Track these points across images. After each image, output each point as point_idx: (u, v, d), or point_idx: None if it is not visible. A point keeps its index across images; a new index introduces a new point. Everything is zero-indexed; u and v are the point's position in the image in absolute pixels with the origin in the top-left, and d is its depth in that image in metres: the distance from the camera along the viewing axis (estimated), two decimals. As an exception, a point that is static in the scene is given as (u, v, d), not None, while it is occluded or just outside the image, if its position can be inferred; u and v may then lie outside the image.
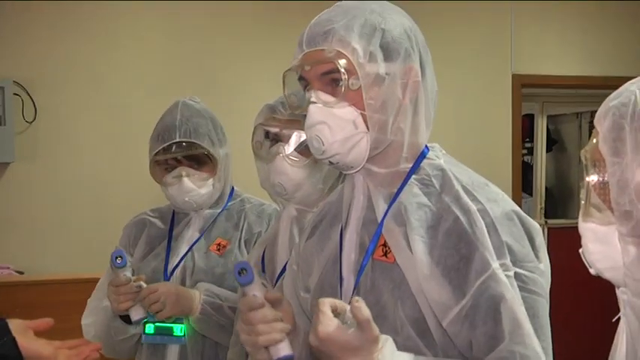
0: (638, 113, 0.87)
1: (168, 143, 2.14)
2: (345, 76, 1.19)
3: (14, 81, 3.93)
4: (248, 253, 2.18)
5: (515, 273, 1.16)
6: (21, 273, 3.72)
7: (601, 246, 0.92)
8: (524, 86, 5.15)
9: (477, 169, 1.30)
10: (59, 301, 3.06)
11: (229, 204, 2.32)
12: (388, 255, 1.26)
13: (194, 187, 2.18)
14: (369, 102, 1.21)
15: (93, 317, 2.18)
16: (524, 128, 5.41)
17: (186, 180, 2.15)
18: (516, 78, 5.13)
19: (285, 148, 1.84)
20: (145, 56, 4.21)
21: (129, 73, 4.15)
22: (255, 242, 2.20)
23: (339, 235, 1.33)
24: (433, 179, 1.25)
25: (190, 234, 2.28)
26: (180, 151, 2.17)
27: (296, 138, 1.86)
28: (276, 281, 1.84)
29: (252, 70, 4.29)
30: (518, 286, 1.15)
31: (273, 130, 1.88)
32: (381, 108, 1.22)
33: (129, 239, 2.33)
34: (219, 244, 2.26)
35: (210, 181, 2.22)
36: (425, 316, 1.20)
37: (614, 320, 0.95)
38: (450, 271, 1.17)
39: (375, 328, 1.13)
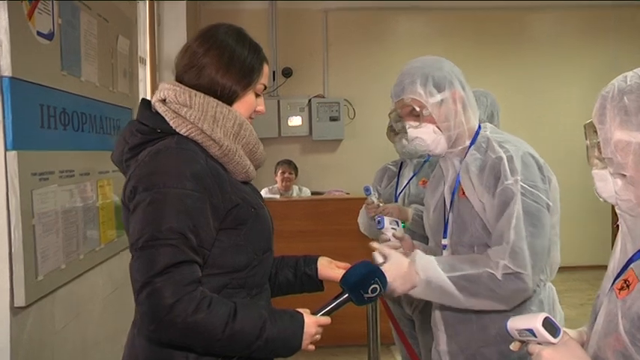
0: (613, 96, 1.12)
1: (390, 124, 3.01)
2: (419, 111, 1.89)
3: (344, 99, 7.38)
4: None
5: (521, 186, 1.76)
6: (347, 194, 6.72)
7: (603, 183, 1.17)
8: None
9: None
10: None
11: (430, 158, 3.21)
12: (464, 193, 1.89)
13: (408, 144, 2.65)
14: (438, 118, 1.89)
15: (362, 219, 3.32)
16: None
17: (404, 140, 3.04)
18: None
19: None
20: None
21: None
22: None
23: (442, 188, 2.05)
24: (482, 144, 1.91)
25: (407, 173, 3.25)
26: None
27: None
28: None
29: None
30: (522, 194, 1.76)
31: None
32: (445, 119, 1.89)
33: (377, 179, 3.44)
34: (424, 181, 3.19)
35: None
36: (483, 219, 1.84)
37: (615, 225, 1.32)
38: (489, 186, 1.82)
39: (409, 238, 2.04)
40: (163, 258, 1.36)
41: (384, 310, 3.17)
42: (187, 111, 1.52)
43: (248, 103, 1.62)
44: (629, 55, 7.45)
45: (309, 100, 7.38)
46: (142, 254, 1.38)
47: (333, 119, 7.38)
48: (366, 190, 3.10)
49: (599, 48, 7.63)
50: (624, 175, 1.12)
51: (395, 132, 3.18)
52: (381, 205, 3.09)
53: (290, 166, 5.96)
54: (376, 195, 3.14)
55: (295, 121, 7.37)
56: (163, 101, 1.56)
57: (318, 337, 1.55)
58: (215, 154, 1.53)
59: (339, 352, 4.79)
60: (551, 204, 1.80)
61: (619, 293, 1.14)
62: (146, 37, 4.82)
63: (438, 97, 1.89)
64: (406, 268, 1.82)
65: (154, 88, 4.88)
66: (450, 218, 1.95)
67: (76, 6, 2.72)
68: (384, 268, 1.74)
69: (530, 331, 1.22)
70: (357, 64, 7.45)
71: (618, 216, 1.18)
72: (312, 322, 1.52)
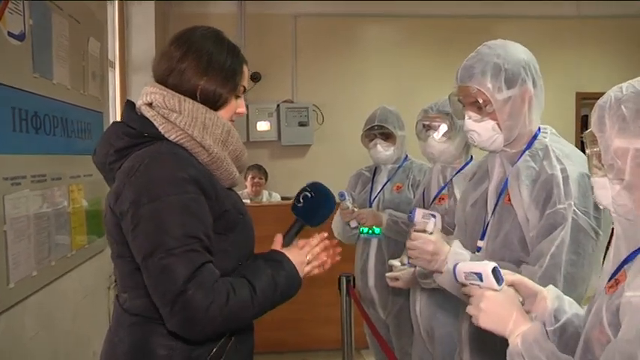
0: (611, 105, 1.15)
1: (370, 125, 3.16)
2: (483, 106, 1.78)
3: (313, 104, 7.36)
4: (413, 192, 3.11)
5: (573, 210, 1.66)
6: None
7: (603, 191, 1.19)
8: (584, 99, 7.46)
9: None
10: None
11: (404, 164, 3.22)
12: (510, 200, 1.78)
13: (382, 150, 3.14)
14: (501, 116, 1.77)
15: (336, 224, 3.30)
16: (585, 126, 7.41)
17: (379, 146, 3.15)
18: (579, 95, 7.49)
19: (434, 134, 2.59)
20: (378, 88, 7.23)
21: (373, 97, 6.67)
22: (417, 185, 3.07)
23: (486, 185, 1.94)
24: (539, 152, 1.79)
25: (381, 179, 3.23)
26: (377, 129, 3.14)
27: (439, 128, 2.55)
28: (430, 204, 2.66)
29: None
30: (572, 219, 1.66)
31: (426, 123, 2.63)
32: (508, 118, 1.78)
33: (351, 184, 3.43)
34: (398, 187, 3.18)
35: (392, 148, 3.14)
36: (524, 235, 1.74)
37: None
38: (538, 203, 1.71)
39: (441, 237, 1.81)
40: (185, 265, 1.36)
41: (360, 313, 3.17)
42: (177, 117, 1.49)
43: (230, 106, 1.61)
44: (591, 65, 7.62)
45: (278, 105, 7.33)
46: (162, 265, 1.36)
47: (301, 124, 7.32)
48: (341, 195, 3.10)
49: (562, 58, 7.72)
50: (623, 180, 1.14)
51: (369, 139, 3.17)
52: (355, 210, 3.08)
53: (260, 171, 5.94)
54: (351, 200, 3.14)
55: (264, 126, 7.31)
56: (150, 105, 1.52)
57: (311, 258, 1.64)
58: (204, 161, 1.51)
59: (310, 356, 4.77)
60: (601, 232, 1.69)
61: (608, 290, 1.18)
62: (115, 40, 4.74)
63: (507, 93, 1.76)
64: (444, 252, 1.83)
65: (124, 91, 4.81)
66: (490, 221, 1.87)
67: (48, 6, 2.66)
68: (420, 245, 1.83)
69: (479, 276, 1.31)
70: (326, 69, 7.43)
71: (614, 220, 1.21)
72: (295, 252, 1.61)
